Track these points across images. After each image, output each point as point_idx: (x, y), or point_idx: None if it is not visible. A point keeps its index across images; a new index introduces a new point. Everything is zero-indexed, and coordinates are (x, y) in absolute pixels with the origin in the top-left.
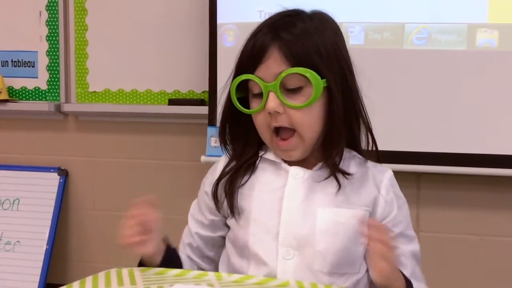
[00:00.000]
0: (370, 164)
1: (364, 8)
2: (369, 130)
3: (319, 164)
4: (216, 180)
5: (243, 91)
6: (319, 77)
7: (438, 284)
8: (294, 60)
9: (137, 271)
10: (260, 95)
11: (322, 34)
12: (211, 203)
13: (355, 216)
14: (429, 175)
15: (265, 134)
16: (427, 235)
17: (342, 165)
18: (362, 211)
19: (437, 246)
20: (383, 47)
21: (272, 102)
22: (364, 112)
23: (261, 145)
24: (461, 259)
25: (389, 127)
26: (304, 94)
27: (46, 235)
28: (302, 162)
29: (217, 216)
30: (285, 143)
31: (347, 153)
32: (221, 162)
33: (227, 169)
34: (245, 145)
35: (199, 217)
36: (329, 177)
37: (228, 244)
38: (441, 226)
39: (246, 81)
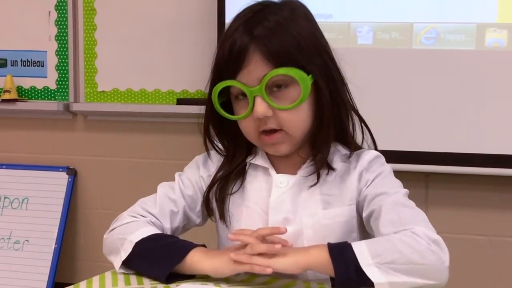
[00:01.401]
0: (354, 156)
1: (373, 8)
2: (359, 117)
3: (305, 165)
4: (208, 187)
5: (224, 95)
6: (304, 74)
7: (447, 284)
8: (276, 60)
9: None
10: (244, 99)
11: (298, 26)
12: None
13: (341, 214)
14: (438, 175)
15: (252, 136)
16: None
17: (327, 160)
18: (347, 207)
19: (446, 246)
20: (391, 47)
21: (260, 107)
22: (351, 100)
23: (250, 146)
24: (469, 260)
25: (397, 127)
26: (290, 92)
27: (54, 234)
28: (289, 160)
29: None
30: (272, 137)
31: (332, 148)
32: (213, 157)
33: (218, 175)
34: (234, 149)
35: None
36: (313, 173)
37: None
38: (449, 227)
39: (227, 86)
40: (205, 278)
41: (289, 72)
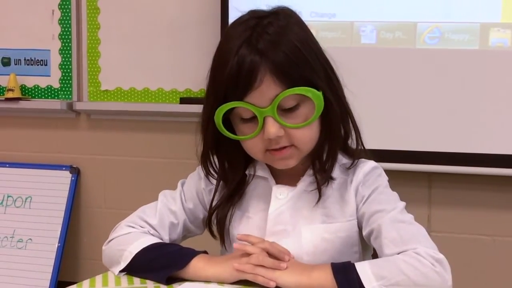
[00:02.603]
0: (352, 168)
1: (376, 7)
2: (356, 129)
3: (305, 176)
4: (209, 212)
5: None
6: (316, 91)
7: None
8: (288, 80)
9: None
10: (251, 119)
11: (305, 40)
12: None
13: (341, 229)
14: (441, 175)
15: (258, 155)
16: (439, 235)
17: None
18: (348, 223)
19: (449, 246)
20: (395, 47)
21: (273, 127)
22: (348, 108)
23: (248, 159)
24: (473, 259)
25: (400, 127)
26: (302, 111)
27: (57, 233)
28: (289, 170)
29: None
30: (282, 153)
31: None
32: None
33: (219, 198)
34: (231, 169)
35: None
36: (314, 189)
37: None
38: (452, 226)
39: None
40: None
41: (303, 92)
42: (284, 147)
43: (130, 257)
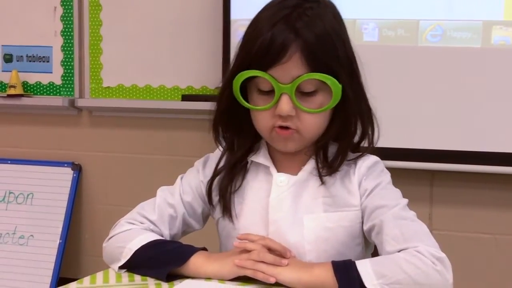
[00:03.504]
0: (352, 160)
1: (378, 5)
2: (373, 130)
3: (307, 166)
4: (210, 179)
5: (242, 83)
6: (337, 83)
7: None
8: (315, 64)
9: None
10: (267, 92)
11: (338, 33)
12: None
13: (344, 218)
14: (443, 173)
15: (265, 129)
16: (440, 233)
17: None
18: (351, 213)
19: (450, 244)
20: (397, 44)
21: (286, 105)
22: (369, 107)
23: (253, 143)
24: (474, 258)
25: (402, 125)
26: (318, 98)
27: (59, 230)
28: (292, 158)
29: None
30: (285, 132)
31: (334, 148)
32: (212, 160)
33: (220, 167)
34: (238, 139)
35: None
36: (315, 175)
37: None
38: (454, 225)
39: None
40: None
41: (325, 78)
42: (289, 129)
43: (130, 254)
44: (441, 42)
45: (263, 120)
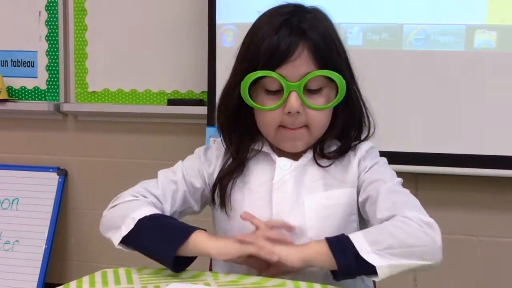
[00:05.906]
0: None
1: (362, 9)
2: (370, 123)
3: (307, 153)
4: (216, 179)
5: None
6: (343, 79)
7: (436, 284)
8: (322, 61)
9: (134, 270)
10: (274, 92)
11: (335, 32)
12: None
13: (342, 196)
14: (427, 176)
15: (270, 130)
16: None
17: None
18: (348, 189)
19: None
20: (381, 48)
21: (296, 102)
22: (364, 103)
23: (254, 139)
24: (459, 260)
25: (387, 128)
26: (324, 95)
27: (45, 235)
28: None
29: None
30: (294, 131)
31: (332, 141)
32: (213, 148)
33: (225, 167)
34: (243, 140)
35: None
36: (315, 161)
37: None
38: (439, 227)
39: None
40: (195, 277)
41: (332, 75)
42: (297, 128)
43: (133, 222)
44: (425, 46)
45: (269, 119)
